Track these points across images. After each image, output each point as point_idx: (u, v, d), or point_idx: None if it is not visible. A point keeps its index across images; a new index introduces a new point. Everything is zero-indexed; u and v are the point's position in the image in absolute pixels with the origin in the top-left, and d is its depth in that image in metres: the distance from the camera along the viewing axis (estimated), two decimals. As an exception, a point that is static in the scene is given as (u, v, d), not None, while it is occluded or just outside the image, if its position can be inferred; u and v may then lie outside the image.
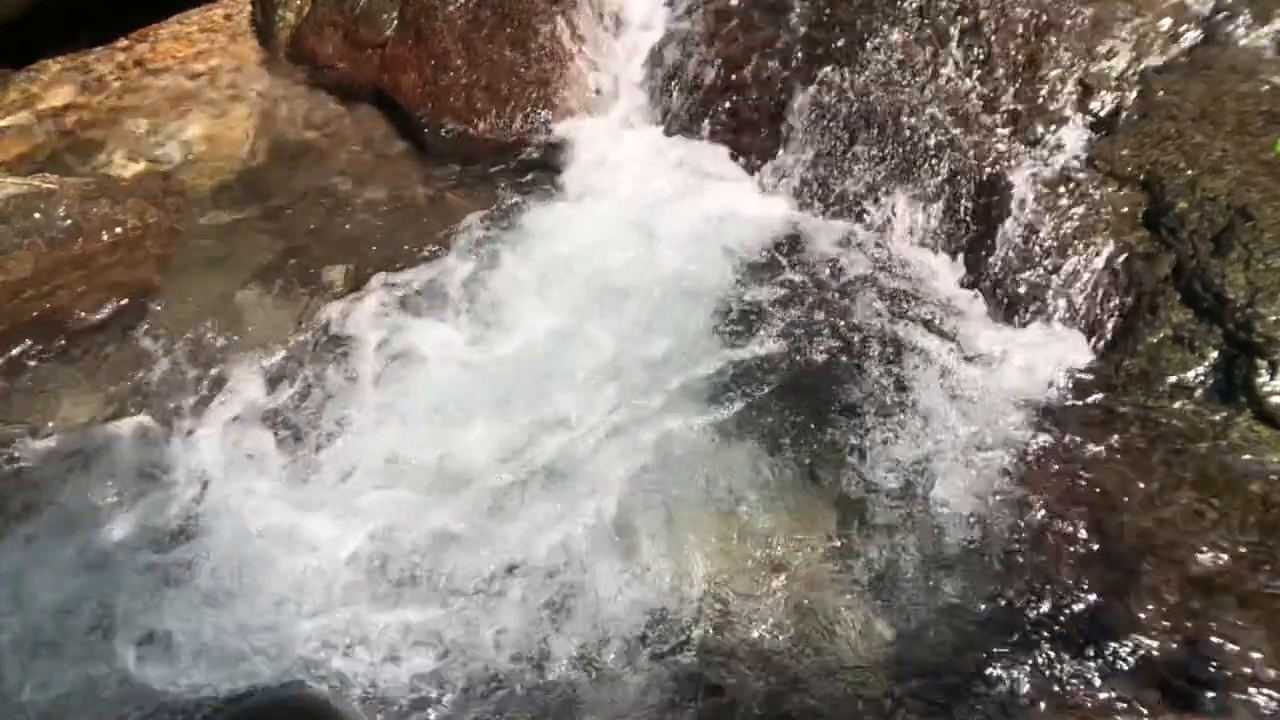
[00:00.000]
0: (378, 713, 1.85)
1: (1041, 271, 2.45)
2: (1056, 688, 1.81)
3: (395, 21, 3.46)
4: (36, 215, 2.67)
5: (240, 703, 1.82)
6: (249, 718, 1.78)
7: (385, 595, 2.05)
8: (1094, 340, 2.35)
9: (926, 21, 2.80)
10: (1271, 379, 2.07)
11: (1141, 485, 2.07)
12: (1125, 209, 2.42)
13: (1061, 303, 2.41)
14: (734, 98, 3.05)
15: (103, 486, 2.28)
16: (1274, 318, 2.09)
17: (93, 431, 2.41)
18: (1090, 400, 2.25)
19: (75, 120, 3.35)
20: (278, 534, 2.15)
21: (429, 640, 1.97)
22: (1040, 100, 2.64)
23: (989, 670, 1.87)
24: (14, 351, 2.57)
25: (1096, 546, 2.01)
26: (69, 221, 2.70)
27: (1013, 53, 2.69)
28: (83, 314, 2.68)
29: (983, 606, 1.97)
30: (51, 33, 3.52)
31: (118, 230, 2.78)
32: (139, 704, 1.87)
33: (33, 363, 2.56)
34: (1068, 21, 2.68)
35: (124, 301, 2.73)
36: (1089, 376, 2.29)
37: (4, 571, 2.12)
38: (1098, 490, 2.09)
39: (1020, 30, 2.70)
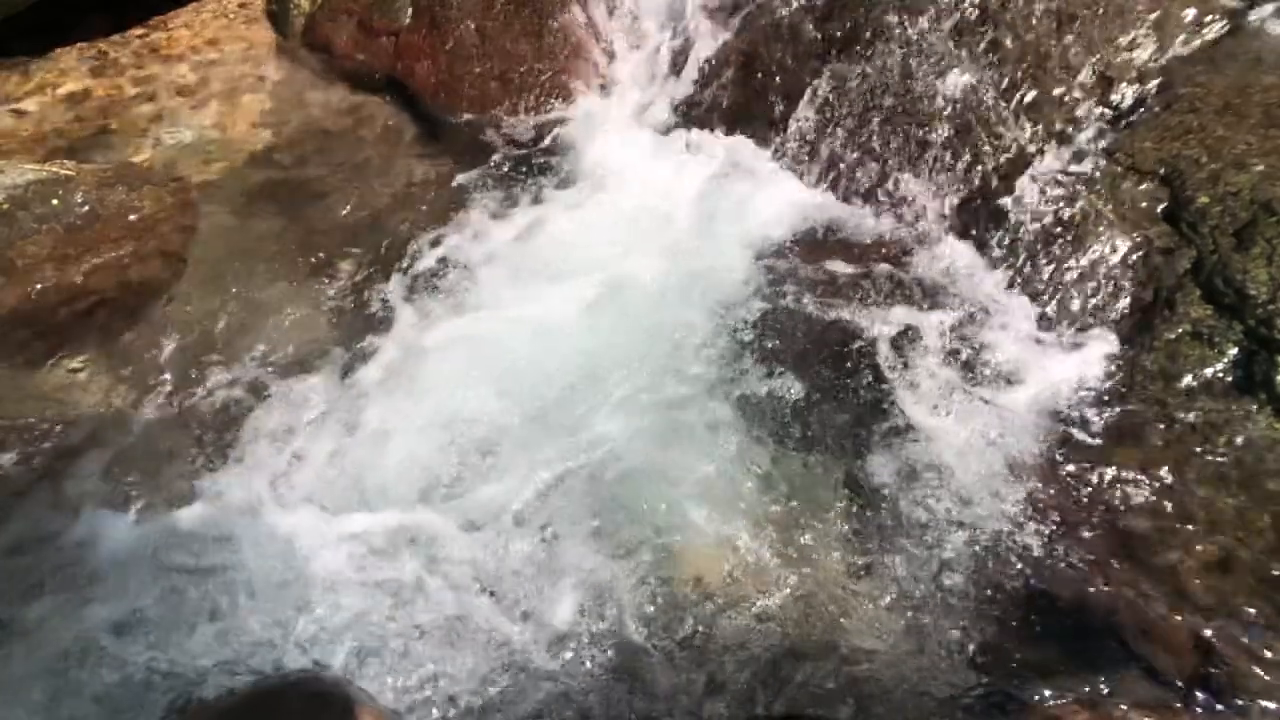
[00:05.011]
0: (391, 697, 1.86)
1: (1058, 264, 2.43)
2: (1067, 685, 1.79)
3: (410, 9, 3.46)
4: (54, 201, 2.70)
5: (252, 687, 1.84)
6: (260, 702, 1.79)
7: (400, 582, 2.05)
8: (1111, 335, 2.33)
9: (945, 10, 2.76)
10: (1292, 376, 2.04)
11: (1158, 482, 2.05)
12: (1145, 203, 2.39)
13: (1078, 296, 2.39)
14: (747, 87, 3.03)
15: (116, 470, 2.30)
16: (1296, 314, 2.06)
17: (105, 416, 2.43)
18: (1106, 396, 2.23)
19: (92, 108, 3.37)
20: (292, 519, 2.17)
21: (443, 626, 1.98)
22: (1060, 91, 2.60)
23: (998, 665, 1.86)
24: (29, 335, 2.59)
25: (1110, 543, 1.99)
26: (86, 208, 2.73)
27: (1032, 42, 2.66)
28: (99, 299, 2.70)
29: (992, 601, 1.96)
30: (63, 25, 3.54)
31: (134, 216, 2.80)
32: (150, 689, 1.89)
33: (48, 347, 2.58)
34: (1088, 11, 2.64)
35: (140, 286, 2.75)
36: (1105, 372, 2.26)
37: (12, 556, 2.14)
38: (1113, 487, 2.07)
39: (1040, 20, 2.66)
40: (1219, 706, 1.72)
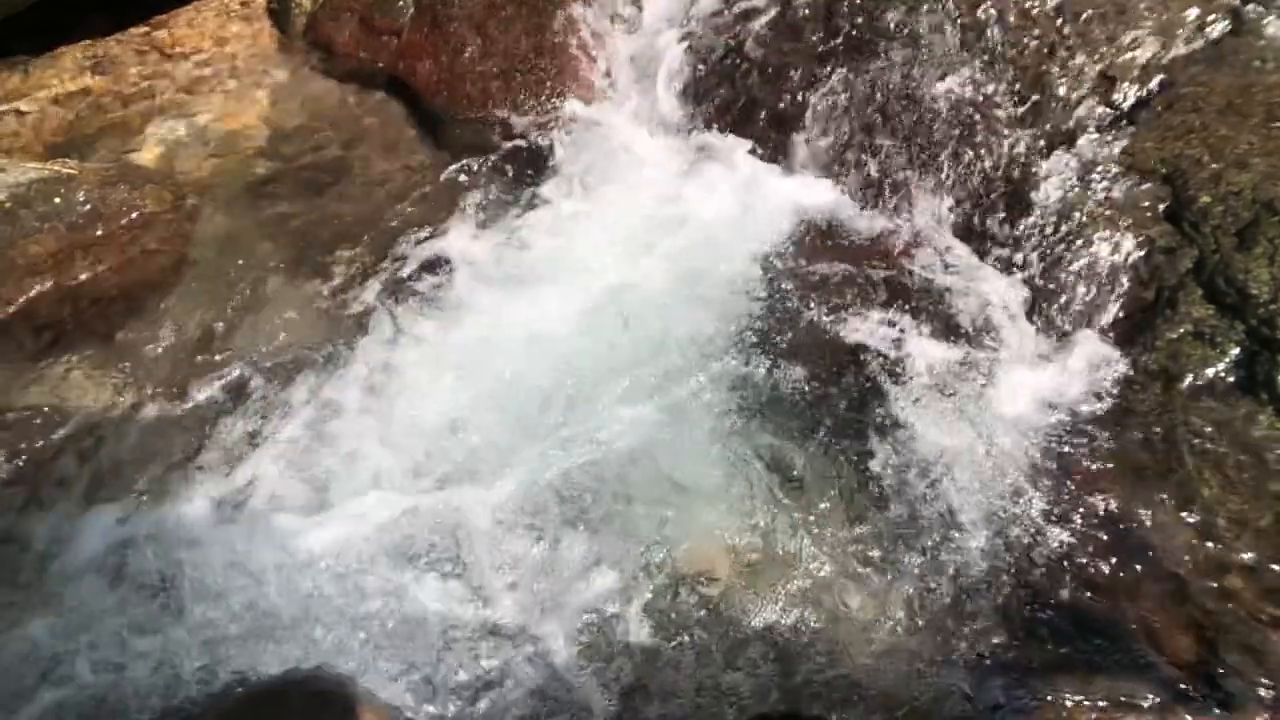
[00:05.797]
0: (396, 696, 1.87)
1: (1060, 264, 2.43)
2: (1070, 686, 1.80)
3: (411, 9, 3.46)
4: (57, 200, 2.70)
5: (253, 687, 1.84)
6: (261, 701, 1.79)
7: (405, 580, 2.05)
8: (1112, 335, 2.33)
9: (948, 10, 2.76)
10: (1294, 376, 2.05)
11: (1159, 484, 2.05)
12: (1147, 202, 2.39)
13: (1080, 296, 2.39)
14: (749, 88, 3.02)
15: (118, 468, 2.31)
16: (1298, 314, 2.06)
17: (107, 413, 2.43)
18: (1108, 397, 2.23)
19: (94, 106, 3.36)
20: (295, 516, 2.17)
21: (443, 625, 1.98)
22: (1062, 91, 2.60)
23: (1002, 666, 1.86)
24: (31, 334, 2.59)
25: (1112, 546, 1.99)
26: (88, 206, 2.73)
27: (1035, 42, 2.66)
28: (100, 297, 2.70)
29: (995, 602, 1.96)
30: (63, 25, 3.54)
31: (135, 215, 2.81)
32: (154, 688, 1.89)
33: (48, 345, 2.58)
34: (1091, 10, 2.64)
35: (141, 285, 2.76)
36: (1106, 372, 2.27)
37: (18, 552, 2.14)
38: (1114, 488, 2.07)
39: (1043, 19, 2.66)
40: (1221, 707, 1.72)
